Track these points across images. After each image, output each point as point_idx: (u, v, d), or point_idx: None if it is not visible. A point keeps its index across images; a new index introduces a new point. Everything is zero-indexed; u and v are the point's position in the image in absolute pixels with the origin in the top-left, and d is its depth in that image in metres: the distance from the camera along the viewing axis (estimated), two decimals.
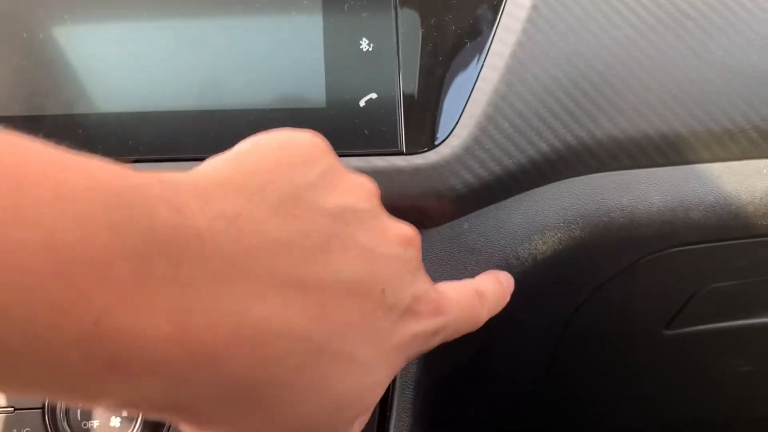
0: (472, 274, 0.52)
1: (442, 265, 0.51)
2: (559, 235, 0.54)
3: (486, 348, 0.66)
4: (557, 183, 0.54)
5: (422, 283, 0.34)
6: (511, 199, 0.52)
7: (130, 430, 0.46)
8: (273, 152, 0.29)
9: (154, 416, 0.27)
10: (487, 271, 0.47)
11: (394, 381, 0.52)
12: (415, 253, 0.34)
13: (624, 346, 0.77)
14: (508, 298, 0.46)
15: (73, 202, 0.21)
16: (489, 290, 0.43)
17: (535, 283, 0.57)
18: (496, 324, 0.63)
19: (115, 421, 0.47)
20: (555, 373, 0.78)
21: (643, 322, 0.73)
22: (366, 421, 0.33)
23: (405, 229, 0.33)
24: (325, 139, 0.32)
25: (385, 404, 0.51)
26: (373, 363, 0.30)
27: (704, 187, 0.55)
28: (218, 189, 0.26)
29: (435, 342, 0.35)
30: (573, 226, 0.54)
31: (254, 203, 0.27)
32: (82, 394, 0.24)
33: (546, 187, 0.53)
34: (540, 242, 0.53)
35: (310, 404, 0.28)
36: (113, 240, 0.21)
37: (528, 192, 0.53)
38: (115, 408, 0.26)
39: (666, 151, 0.54)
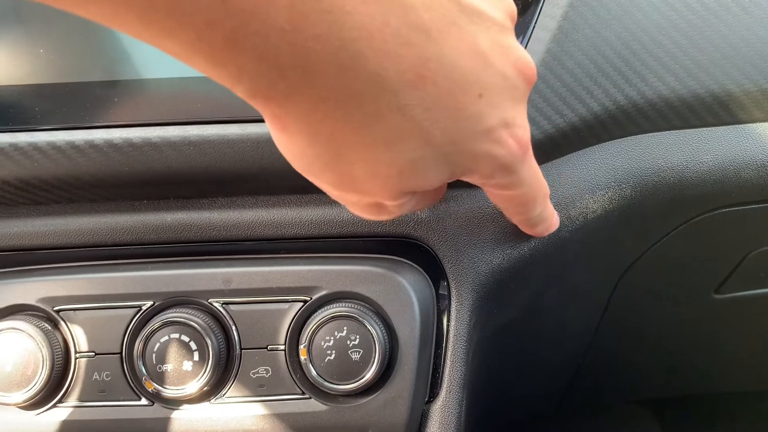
0: (522, 231, 0.53)
1: (493, 218, 0.53)
2: (609, 194, 0.55)
3: (536, 308, 0.67)
4: (608, 143, 0.55)
5: (519, 116, 0.35)
6: (562, 159, 0.54)
7: (202, 372, 0.50)
8: None
9: (245, 91, 0.29)
10: None
11: (447, 334, 0.54)
12: (524, 86, 0.35)
13: (672, 310, 0.78)
14: (552, 228, 0.49)
15: None
16: (550, 207, 0.47)
17: (586, 242, 0.58)
18: (546, 284, 0.64)
19: (188, 365, 0.50)
20: (602, 337, 0.78)
21: (692, 286, 0.73)
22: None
23: (525, 59, 0.35)
24: None
25: (438, 357, 0.54)
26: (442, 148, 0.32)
27: (756, 146, 0.55)
28: None
29: (498, 180, 0.37)
30: (623, 186, 0.55)
31: None
32: (198, 60, 0.28)
33: (597, 146, 0.54)
34: (591, 201, 0.54)
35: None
36: None
37: (579, 151, 0.54)
38: (219, 79, 0.29)
39: (717, 110, 0.54)
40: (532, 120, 0.50)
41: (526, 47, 0.51)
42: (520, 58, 0.34)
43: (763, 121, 0.55)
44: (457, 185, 0.53)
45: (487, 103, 0.32)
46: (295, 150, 0.33)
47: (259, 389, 0.51)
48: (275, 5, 0.26)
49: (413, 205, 0.38)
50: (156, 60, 0.50)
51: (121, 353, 0.51)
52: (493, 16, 0.33)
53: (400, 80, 0.29)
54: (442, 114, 0.31)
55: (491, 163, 0.35)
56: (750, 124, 0.55)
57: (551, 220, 0.48)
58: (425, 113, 0.31)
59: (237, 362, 0.51)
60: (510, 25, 0.34)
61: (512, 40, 0.34)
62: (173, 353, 0.50)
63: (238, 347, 0.51)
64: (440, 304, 0.54)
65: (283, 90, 0.28)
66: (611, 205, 0.55)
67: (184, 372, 0.50)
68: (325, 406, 0.51)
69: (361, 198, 0.36)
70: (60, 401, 0.51)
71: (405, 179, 0.33)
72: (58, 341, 0.51)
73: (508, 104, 0.34)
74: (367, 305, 0.51)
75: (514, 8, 0.35)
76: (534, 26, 0.51)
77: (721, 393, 1.05)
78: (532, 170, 0.39)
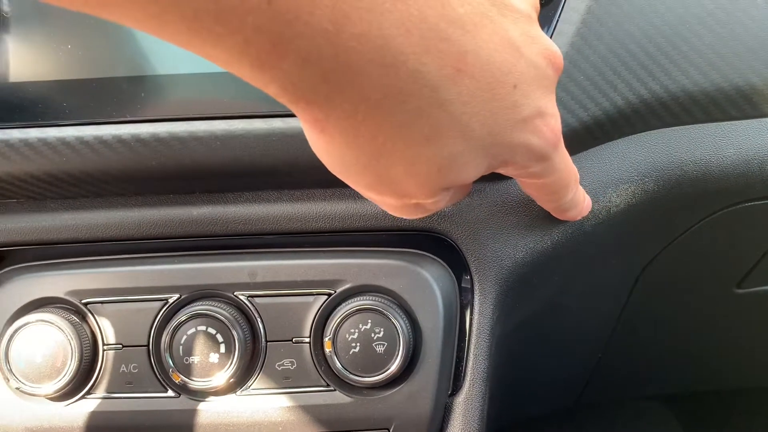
0: (545, 223, 0.54)
1: (516, 212, 0.53)
2: (632, 188, 0.55)
3: (558, 302, 0.67)
4: (631, 137, 0.54)
5: (551, 105, 0.35)
6: (585, 152, 0.54)
7: (228, 364, 0.50)
8: None
9: (288, 97, 0.29)
10: None
11: (470, 328, 0.54)
12: (553, 74, 0.35)
13: (693, 304, 0.77)
14: (585, 212, 0.49)
15: None
16: (582, 192, 0.47)
17: (608, 236, 0.58)
18: (568, 278, 0.64)
19: (214, 357, 0.50)
20: (622, 332, 0.78)
21: (713, 280, 0.73)
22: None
23: (553, 48, 0.35)
24: None
25: (461, 351, 0.54)
26: (475, 144, 0.32)
27: None
28: None
29: (533, 169, 0.37)
30: (646, 180, 0.55)
31: None
32: (243, 67, 0.27)
33: (620, 140, 0.54)
34: (614, 195, 0.54)
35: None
36: None
37: (602, 145, 0.54)
38: (262, 86, 0.28)
39: (741, 104, 0.54)
40: None
41: None
42: (548, 47, 0.35)
43: None
44: (480, 178, 0.53)
45: (522, 94, 0.33)
46: (333, 153, 0.32)
47: (284, 381, 0.52)
48: (318, 5, 0.26)
49: (448, 201, 0.38)
50: (182, 56, 0.50)
51: (148, 345, 0.52)
52: (520, 8, 0.33)
53: (440, 75, 0.29)
54: (479, 107, 0.31)
55: (527, 153, 0.35)
56: None
57: (583, 204, 0.48)
58: (464, 107, 0.31)
59: (263, 354, 0.52)
60: (535, 16, 0.35)
61: (538, 30, 0.35)
62: (200, 345, 0.51)
63: (263, 339, 0.52)
64: (463, 298, 0.54)
65: (325, 93, 0.28)
66: (634, 200, 0.55)
67: (210, 364, 0.50)
68: (349, 399, 0.51)
69: (398, 200, 0.36)
70: (88, 393, 0.52)
71: (444, 175, 0.33)
72: (87, 333, 0.52)
73: (540, 93, 0.34)
74: (391, 298, 0.51)
75: (537, 0, 0.36)
76: (558, 19, 0.51)
77: (741, 389, 1.04)
78: (564, 157, 0.39)
